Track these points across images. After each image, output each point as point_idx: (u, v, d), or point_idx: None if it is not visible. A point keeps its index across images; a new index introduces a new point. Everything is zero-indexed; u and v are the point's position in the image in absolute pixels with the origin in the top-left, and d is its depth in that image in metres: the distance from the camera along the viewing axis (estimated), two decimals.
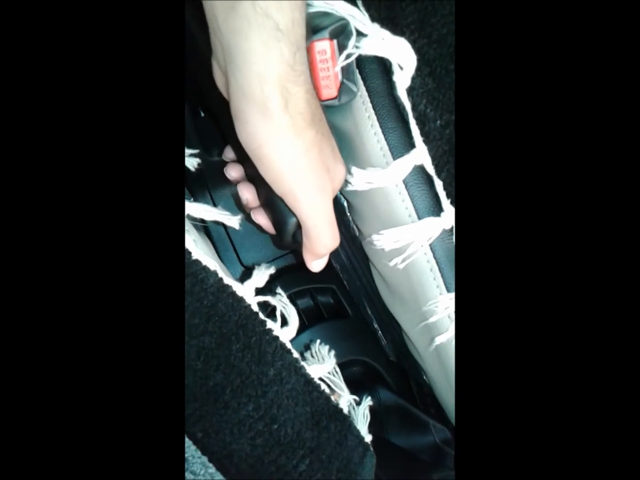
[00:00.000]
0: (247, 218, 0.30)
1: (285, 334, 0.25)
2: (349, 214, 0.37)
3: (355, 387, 0.31)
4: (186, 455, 0.22)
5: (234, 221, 0.28)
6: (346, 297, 0.42)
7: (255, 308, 0.24)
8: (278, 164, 0.23)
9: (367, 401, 0.31)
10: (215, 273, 0.23)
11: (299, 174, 0.23)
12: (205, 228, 0.39)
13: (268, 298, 0.26)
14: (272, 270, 0.28)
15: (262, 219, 0.28)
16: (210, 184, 0.38)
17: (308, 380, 0.25)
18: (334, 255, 0.44)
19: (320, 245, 0.26)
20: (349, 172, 0.31)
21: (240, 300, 0.24)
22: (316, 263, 0.28)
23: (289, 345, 0.25)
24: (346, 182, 0.31)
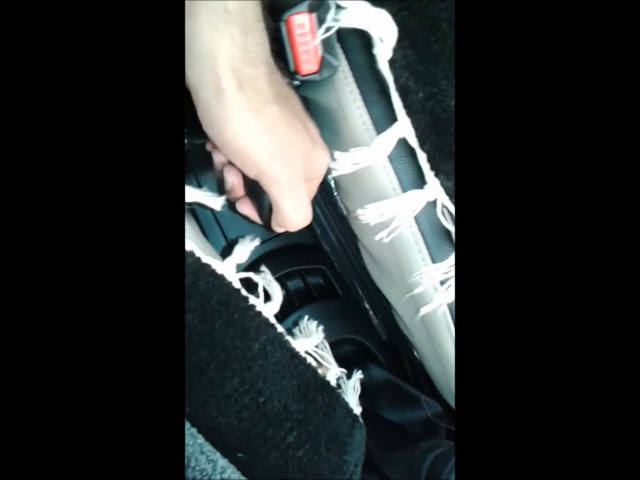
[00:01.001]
0: (232, 207, 0.30)
1: (269, 309, 0.25)
2: (336, 194, 0.37)
3: (347, 364, 0.32)
4: None
5: (216, 202, 0.28)
6: (336, 278, 0.42)
7: (237, 285, 0.25)
8: (239, 144, 0.22)
9: (358, 375, 0.31)
10: (192, 253, 0.23)
11: (262, 152, 0.23)
12: (192, 210, 0.39)
13: (250, 274, 0.26)
14: (255, 242, 0.27)
15: (246, 208, 0.28)
16: (195, 166, 0.38)
17: (294, 354, 0.25)
18: (323, 237, 0.44)
19: (288, 224, 0.26)
20: (331, 157, 0.31)
21: (221, 277, 0.24)
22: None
23: (272, 320, 0.25)
24: (331, 168, 0.31)
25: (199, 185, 0.37)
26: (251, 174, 0.24)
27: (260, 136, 0.22)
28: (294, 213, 0.25)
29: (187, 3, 0.20)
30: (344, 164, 0.31)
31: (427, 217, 0.30)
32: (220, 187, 0.34)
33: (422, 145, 0.30)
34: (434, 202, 0.30)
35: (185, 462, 0.23)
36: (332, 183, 0.37)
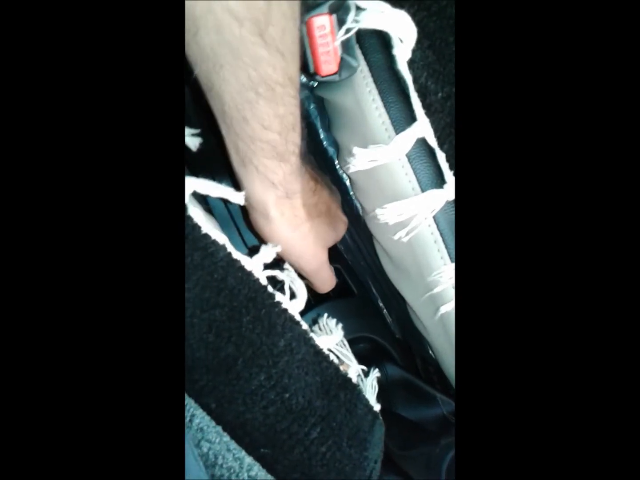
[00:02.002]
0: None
1: (294, 307, 0.26)
2: (352, 193, 0.37)
3: (363, 362, 0.32)
4: (201, 425, 0.23)
5: (239, 197, 0.28)
6: (352, 277, 0.43)
7: (264, 282, 0.25)
8: (280, 250, 0.30)
9: (375, 372, 0.31)
10: (224, 247, 0.23)
11: (296, 255, 0.31)
12: (209, 211, 0.40)
13: (276, 272, 0.27)
14: (278, 248, 0.28)
15: None
16: (212, 165, 0.38)
17: (317, 351, 0.26)
18: None
19: (319, 288, 0.36)
20: (350, 153, 0.31)
21: (249, 274, 0.24)
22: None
23: (297, 317, 0.26)
24: (349, 163, 0.32)
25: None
26: (287, 262, 0.32)
27: (295, 245, 0.31)
28: (318, 286, 0.36)
29: (246, 172, 0.27)
30: (361, 160, 0.31)
31: (446, 216, 0.30)
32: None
33: (441, 145, 0.30)
34: (453, 202, 0.30)
35: (212, 459, 0.23)
36: (348, 182, 0.37)
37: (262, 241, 0.33)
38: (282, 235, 0.30)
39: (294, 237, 0.30)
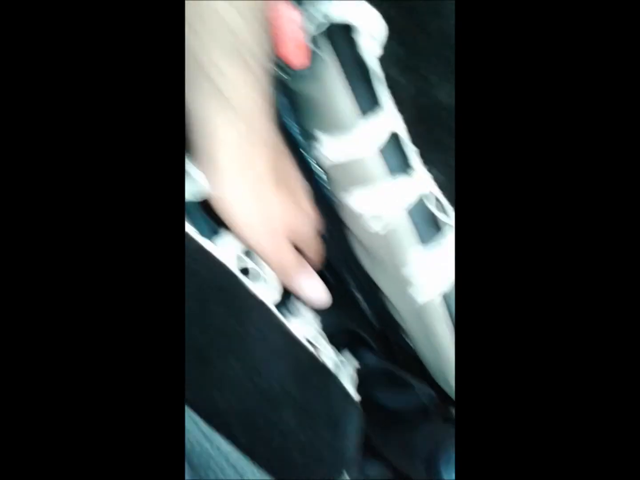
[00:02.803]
0: None
1: (267, 295, 0.26)
2: (325, 184, 0.38)
3: (340, 352, 0.32)
4: None
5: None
6: (328, 268, 0.43)
7: (235, 271, 0.25)
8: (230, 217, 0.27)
9: (352, 362, 0.32)
10: (193, 238, 0.24)
11: (252, 232, 0.27)
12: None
13: (248, 260, 0.27)
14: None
15: None
16: None
17: (292, 339, 0.26)
18: None
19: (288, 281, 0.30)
20: (321, 143, 0.32)
21: (221, 264, 0.24)
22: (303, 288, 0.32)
23: (271, 306, 0.26)
24: (320, 153, 0.32)
25: None
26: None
27: (246, 210, 0.27)
28: (280, 274, 0.29)
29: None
30: (332, 149, 0.31)
31: (418, 207, 0.31)
32: None
33: (412, 139, 0.31)
34: (425, 193, 0.31)
35: (188, 447, 0.23)
36: (323, 173, 0.38)
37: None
38: (230, 191, 0.25)
39: (247, 200, 0.25)
